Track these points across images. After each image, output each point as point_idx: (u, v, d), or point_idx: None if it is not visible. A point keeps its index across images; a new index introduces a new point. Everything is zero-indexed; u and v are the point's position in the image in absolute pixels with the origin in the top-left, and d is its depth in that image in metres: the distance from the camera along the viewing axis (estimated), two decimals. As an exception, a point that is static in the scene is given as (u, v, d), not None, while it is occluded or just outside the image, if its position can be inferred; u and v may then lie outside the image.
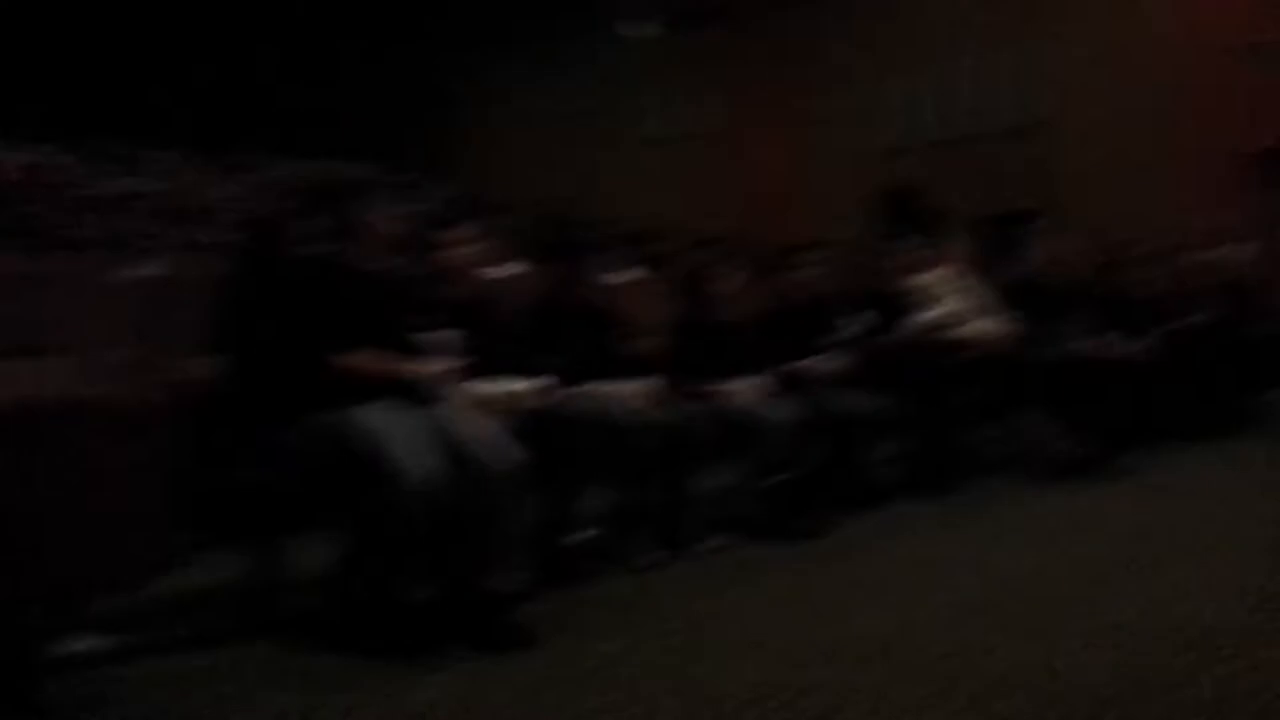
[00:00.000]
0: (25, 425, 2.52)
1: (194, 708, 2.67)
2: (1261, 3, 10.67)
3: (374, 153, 17.02)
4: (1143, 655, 2.94)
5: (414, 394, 3.18)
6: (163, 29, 16.44)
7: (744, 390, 4.46)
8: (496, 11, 17.87)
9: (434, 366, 3.25)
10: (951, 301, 5.75)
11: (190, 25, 16.66)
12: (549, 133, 18.36)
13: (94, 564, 2.65)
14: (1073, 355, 5.75)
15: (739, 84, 15.77)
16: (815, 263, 5.23)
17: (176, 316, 3.44)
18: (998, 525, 4.59)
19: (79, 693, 2.66)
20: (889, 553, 4.16)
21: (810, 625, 3.27)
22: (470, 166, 18.31)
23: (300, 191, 4.82)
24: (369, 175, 16.03)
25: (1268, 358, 6.95)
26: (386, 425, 3.02)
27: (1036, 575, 3.77)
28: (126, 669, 2.89)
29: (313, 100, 18.12)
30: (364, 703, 2.68)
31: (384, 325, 3.25)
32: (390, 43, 18.66)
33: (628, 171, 16.80)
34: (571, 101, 18.27)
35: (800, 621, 3.32)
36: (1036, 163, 12.32)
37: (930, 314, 5.46)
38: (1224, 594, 3.46)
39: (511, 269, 4.16)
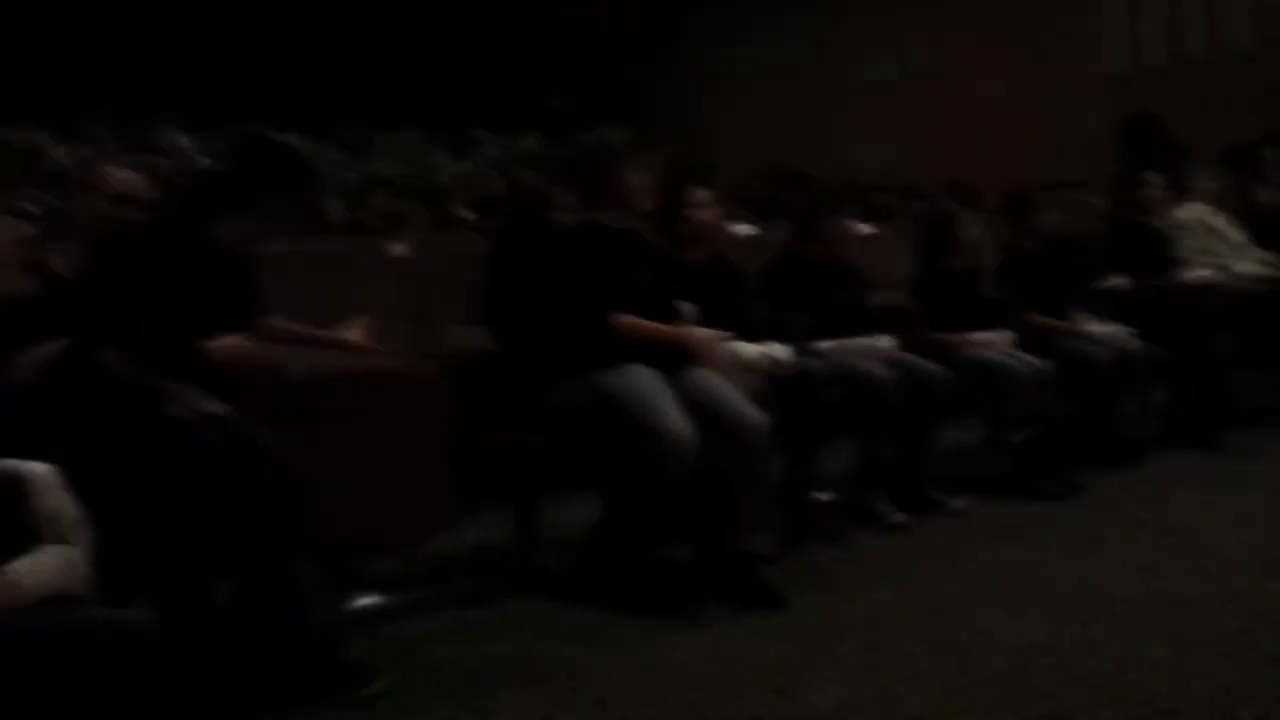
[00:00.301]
0: (321, 393, 2.72)
1: (474, 663, 2.79)
2: None
3: (591, 116, 17.24)
4: None
5: (670, 357, 3.23)
6: (385, 13, 17.12)
7: (989, 341, 4.30)
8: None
9: (700, 331, 3.29)
10: (1207, 242, 5.39)
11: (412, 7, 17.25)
12: (763, 85, 18.16)
13: (381, 523, 2.83)
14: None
15: (950, 21, 15.14)
16: (1057, 204, 4.98)
17: (441, 290, 3.61)
18: (1265, 485, 4.27)
19: (361, 650, 2.84)
20: (1143, 515, 3.91)
21: (1070, 585, 3.15)
22: (687, 124, 18.32)
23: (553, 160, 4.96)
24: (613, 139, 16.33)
25: None
26: (649, 386, 3.08)
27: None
28: (401, 626, 3.03)
29: (527, 70, 18.48)
30: (627, 657, 2.76)
31: (646, 289, 3.31)
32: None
33: (843, 120, 16.43)
34: (784, 51, 18.00)
35: (1059, 580, 3.21)
36: (1275, 87, 11.32)
37: (1196, 270, 5.11)
38: None
39: (746, 229, 4.17)
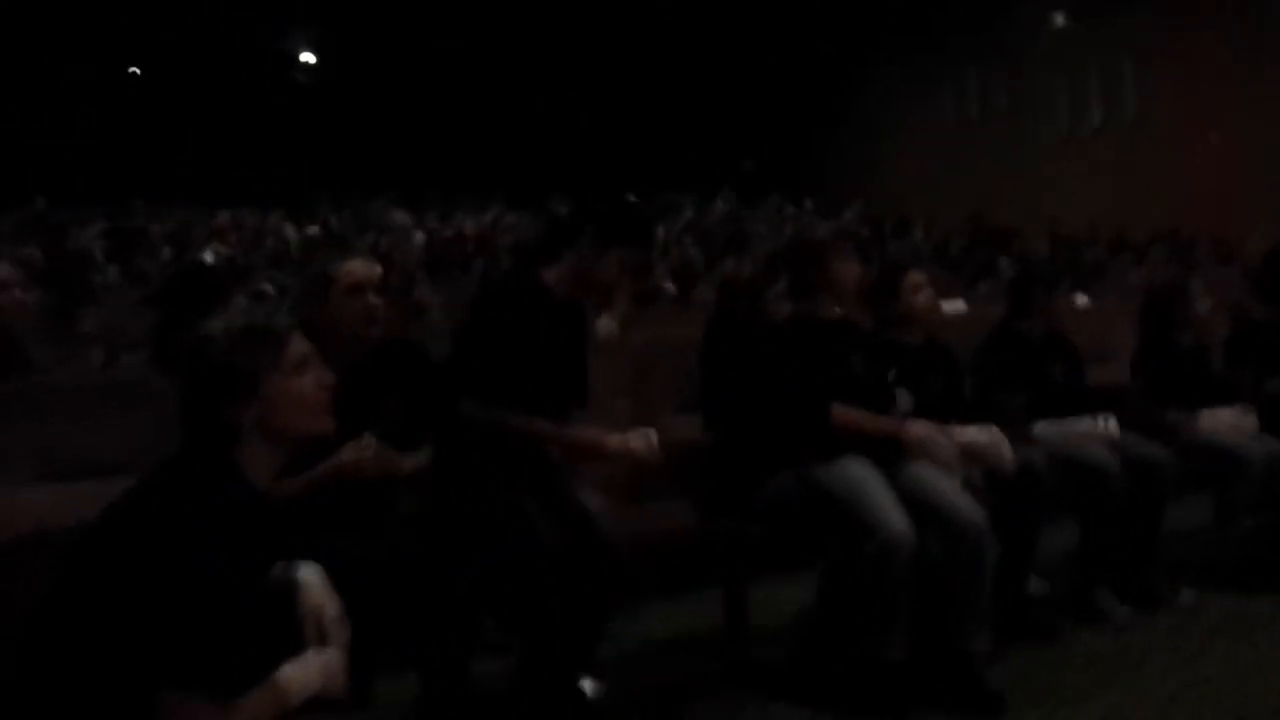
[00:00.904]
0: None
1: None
2: None
3: (778, 183, 17.34)
4: None
5: (887, 449, 3.22)
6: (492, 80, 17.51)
7: (1218, 420, 4.07)
8: (893, 15, 17.52)
9: (918, 425, 3.27)
10: None
11: (525, 74, 17.57)
12: (953, 137, 17.85)
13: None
14: None
15: (1167, 67, 14.48)
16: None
17: (652, 372, 3.69)
18: None
19: None
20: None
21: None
22: (873, 184, 18.16)
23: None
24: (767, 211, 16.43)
25: None
26: (866, 480, 3.07)
27: None
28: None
29: (713, 136, 18.69)
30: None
31: (860, 378, 3.33)
32: (782, 63, 18.77)
33: (1042, 173, 15.96)
34: (977, 101, 17.66)
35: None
36: None
37: None
38: None
39: (955, 306, 4.10)
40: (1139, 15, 14.59)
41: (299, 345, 1.86)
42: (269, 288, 8.43)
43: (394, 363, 2.83)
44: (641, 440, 2.81)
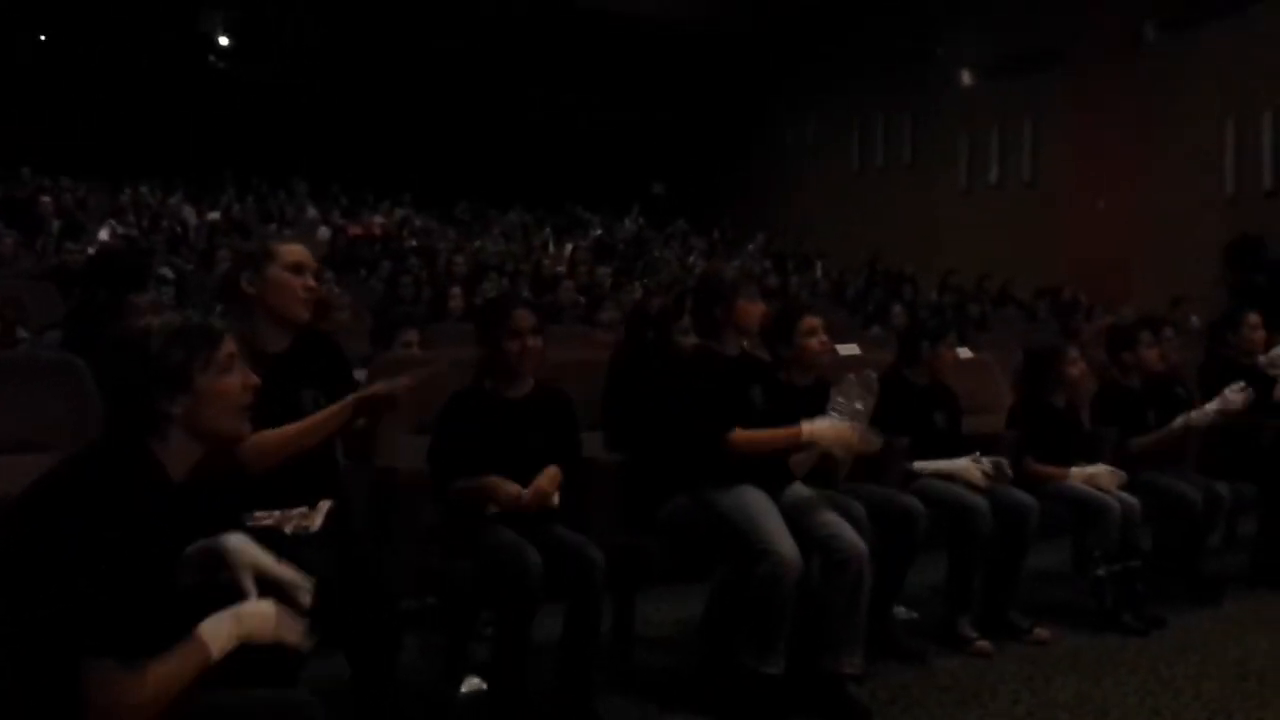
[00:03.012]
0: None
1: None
2: None
3: (685, 209, 17.66)
4: None
5: (776, 476, 3.43)
6: (499, 94, 17.74)
7: (1089, 474, 4.41)
8: (809, 60, 18.08)
9: (814, 426, 3.39)
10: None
11: (520, 90, 17.82)
12: (857, 181, 18.38)
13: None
14: None
15: (1066, 132, 15.19)
16: (1163, 338, 5.06)
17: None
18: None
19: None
20: (1222, 655, 3.96)
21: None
22: (778, 219, 18.63)
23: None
24: (681, 230, 16.74)
25: None
26: (760, 506, 3.28)
27: None
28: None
29: (625, 157, 18.95)
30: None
31: (759, 411, 3.50)
32: (698, 94, 19.19)
33: (942, 223, 16.55)
34: (882, 149, 18.23)
35: (1131, 718, 3.29)
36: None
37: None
38: None
39: (849, 349, 4.35)
40: (1042, 80, 15.30)
41: (229, 346, 1.96)
42: (169, 272, 8.31)
43: (311, 354, 2.85)
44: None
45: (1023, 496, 4.15)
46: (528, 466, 3.13)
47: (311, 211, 13.14)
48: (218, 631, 1.84)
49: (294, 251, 2.84)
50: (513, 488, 3.05)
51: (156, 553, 1.82)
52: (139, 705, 1.71)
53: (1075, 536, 4.83)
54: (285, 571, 2.06)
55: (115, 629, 1.68)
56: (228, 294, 2.87)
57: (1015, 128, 15.95)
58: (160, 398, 1.86)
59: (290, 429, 2.60)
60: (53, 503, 1.76)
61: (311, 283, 2.81)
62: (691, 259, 14.09)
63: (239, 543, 2.06)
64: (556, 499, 3.10)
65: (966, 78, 16.92)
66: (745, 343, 3.66)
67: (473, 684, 3.33)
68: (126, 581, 1.70)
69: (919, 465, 4.13)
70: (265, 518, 2.57)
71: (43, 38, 15.90)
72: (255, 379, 1.98)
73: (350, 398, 2.66)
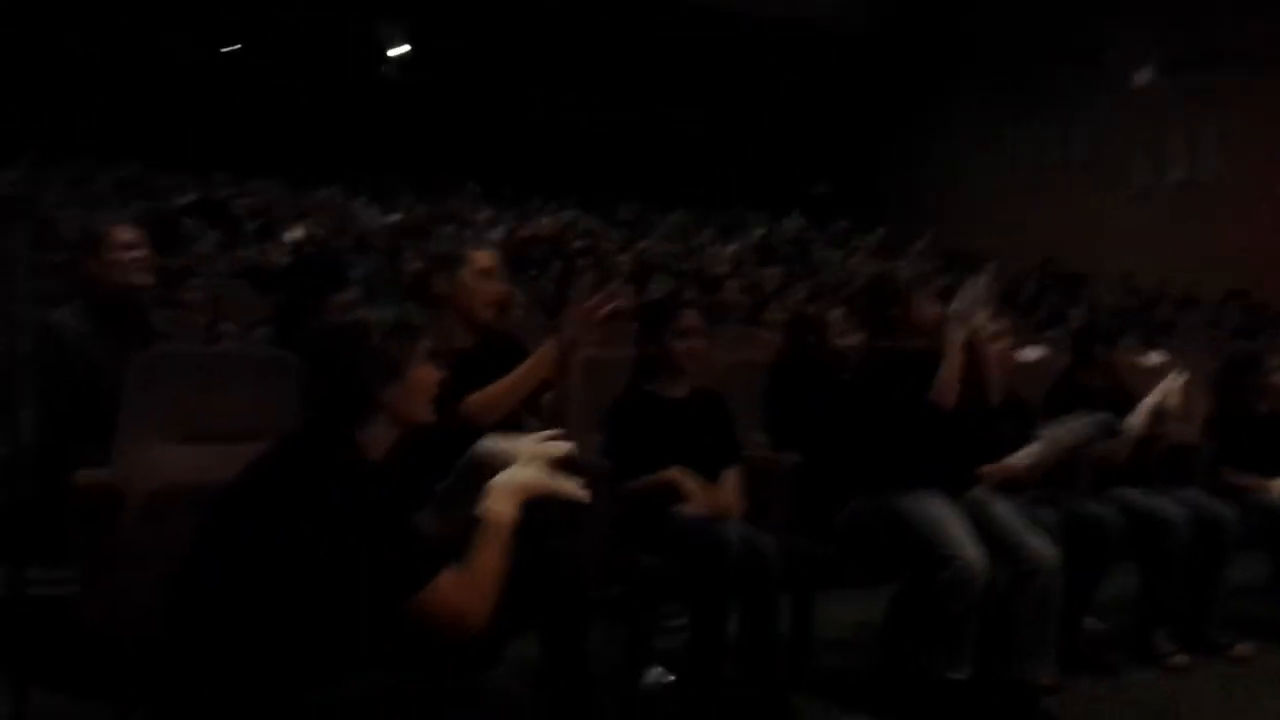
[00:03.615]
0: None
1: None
2: None
3: (847, 209, 17.45)
4: None
5: (961, 480, 3.38)
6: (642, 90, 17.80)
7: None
8: (970, 60, 17.64)
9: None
10: None
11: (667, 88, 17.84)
12: (1028, 182, 17.83)
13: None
14: None
15: (1244, 131, 14.39)
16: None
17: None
18: None
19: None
20: None
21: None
22: (945, 218, 18.18)
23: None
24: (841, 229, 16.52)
25: None
26: (944, 511, 3.23)
27: None
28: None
29: (787, 158, 18.87)
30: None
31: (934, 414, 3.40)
32: (861, 94, 18.98)
33: (1113, 225, 15.92)
34: (1056, 148, 17.63)
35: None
36: None
37: None
38: None
39: (1034, 352, 4.24)
40: (1226, 74, 14.52)
41: (427, 341, 2.08)
42: (358, 272, 8.68)
43: (498, 351, 2.98)
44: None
45: (1221, 508, 3.98)
46: (699, 466, 3.17)
47: (485, 213, 13.49)
48: (498, 502, 1.91)
49: (484, 257, 3.02)
50: (698, 486, 3.10)
51: (394, 516, 1.90)
52: (484, 595, 1.83)
53: (1277, 550, 4.58)
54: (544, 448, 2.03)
55: (424, 558, 1.80)
56: (418, 292, 3.03)
57: (1197, 124, 15.18)
58: (380, 387, 1.97)
59: (506, 381, 2.80)
60: (299, 483, 1.86)
61: (501, 287, 2.95)
62: (854, 260, 13.88)
63: (487, 445, 2.09)
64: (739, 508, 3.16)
65: (1145, 75, 16.17)
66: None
67: (655, 674, 3.38)
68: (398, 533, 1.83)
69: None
70: None
71: (223, 50, 16.79)
72: (440, 371, 2.08)
73: (548, 341, 2.82)
